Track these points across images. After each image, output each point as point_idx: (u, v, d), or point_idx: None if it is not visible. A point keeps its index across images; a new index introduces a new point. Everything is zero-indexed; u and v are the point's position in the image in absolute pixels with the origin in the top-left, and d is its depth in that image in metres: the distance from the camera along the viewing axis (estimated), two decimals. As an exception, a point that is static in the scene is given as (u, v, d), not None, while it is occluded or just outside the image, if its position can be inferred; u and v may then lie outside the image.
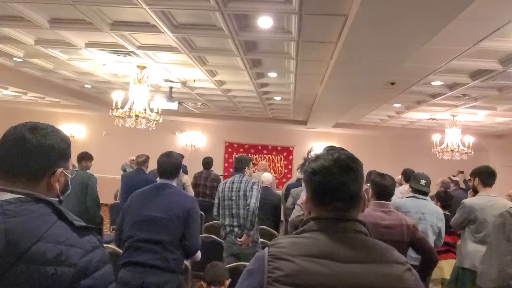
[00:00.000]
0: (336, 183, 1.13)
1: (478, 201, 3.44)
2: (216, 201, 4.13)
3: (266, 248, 1.14)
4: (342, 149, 1.21)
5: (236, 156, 4.39)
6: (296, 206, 3.75)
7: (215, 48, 4.64)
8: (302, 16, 3.41)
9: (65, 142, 1.21)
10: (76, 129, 12.27)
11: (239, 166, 4.16)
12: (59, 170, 1.18)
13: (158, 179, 2.77)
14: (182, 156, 7.72)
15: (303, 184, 3.76)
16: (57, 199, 1.18)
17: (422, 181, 3.42)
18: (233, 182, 4.02)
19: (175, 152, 2.89)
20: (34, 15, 3.93)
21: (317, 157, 1.19)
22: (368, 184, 2.82)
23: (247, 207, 3.84)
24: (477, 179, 3.55)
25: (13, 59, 5.95)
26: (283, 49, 4.47)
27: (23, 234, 1.02)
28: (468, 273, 3.27)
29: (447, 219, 3.91)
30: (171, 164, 2.74)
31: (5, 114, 11.77)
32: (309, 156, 1.13)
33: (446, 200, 4.13)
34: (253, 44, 4.45)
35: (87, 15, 3.79)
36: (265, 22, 3.65)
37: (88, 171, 5.10)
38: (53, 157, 1.16)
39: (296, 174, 6.08)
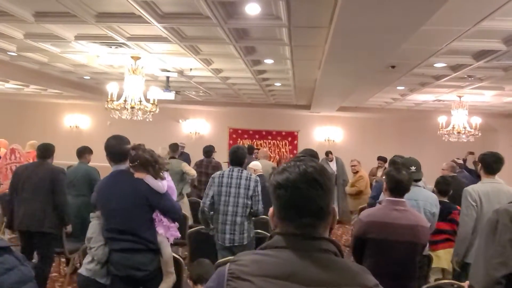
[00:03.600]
0: (302, 198, 1.04)
1: (481, 188, 3.29)
2: (210, 193, 3.75)
3: (227, 265, 1.06)
4: (312, 160, 1.11)
5: (232, 148, 3.92)
6: None
7: (206, 37, 4.51)
8: (289, 1, 3.26)
9: None
10: (81, 120, 12.31)
11: (238, 161, 3.78)
12: None
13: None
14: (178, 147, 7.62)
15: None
16: None
17: (413, 168, 3.27)
18: (231, 177, 3.72)
19: (121, 136, 2.86)
20: (18, 10, 3.84)
21: (283, 169, 1.09)
22: (383, 177, 2.68)
23: (253, 210, 3.71)
24: (480, 165, 3.42)
25: (8, 53, 5.90)
26: (276, 35, 4.32)
27: None
28: None
29: (448, 206, 3.80)
30: (120, 148, 2.73)
31: (9, 106, 11.84)
32: (278, 166, 1.05)
33: (443, 186, 3.97)
34: (244, 32, 4.30)
35: (70, 8, 3.68)
36: (252, 8, 3.51)
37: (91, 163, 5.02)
38: None
39: None
